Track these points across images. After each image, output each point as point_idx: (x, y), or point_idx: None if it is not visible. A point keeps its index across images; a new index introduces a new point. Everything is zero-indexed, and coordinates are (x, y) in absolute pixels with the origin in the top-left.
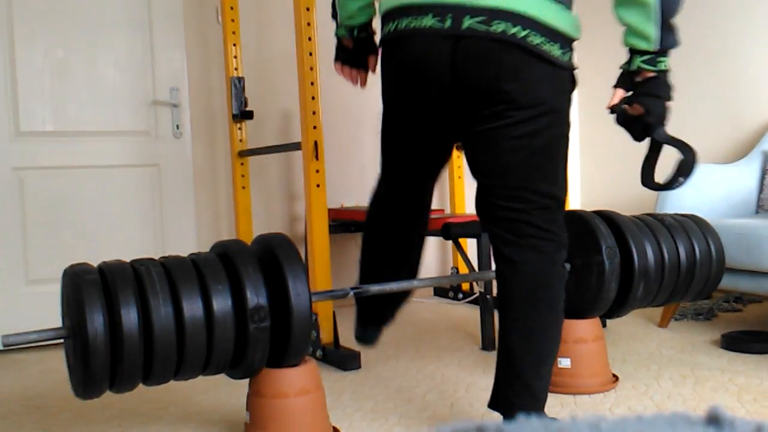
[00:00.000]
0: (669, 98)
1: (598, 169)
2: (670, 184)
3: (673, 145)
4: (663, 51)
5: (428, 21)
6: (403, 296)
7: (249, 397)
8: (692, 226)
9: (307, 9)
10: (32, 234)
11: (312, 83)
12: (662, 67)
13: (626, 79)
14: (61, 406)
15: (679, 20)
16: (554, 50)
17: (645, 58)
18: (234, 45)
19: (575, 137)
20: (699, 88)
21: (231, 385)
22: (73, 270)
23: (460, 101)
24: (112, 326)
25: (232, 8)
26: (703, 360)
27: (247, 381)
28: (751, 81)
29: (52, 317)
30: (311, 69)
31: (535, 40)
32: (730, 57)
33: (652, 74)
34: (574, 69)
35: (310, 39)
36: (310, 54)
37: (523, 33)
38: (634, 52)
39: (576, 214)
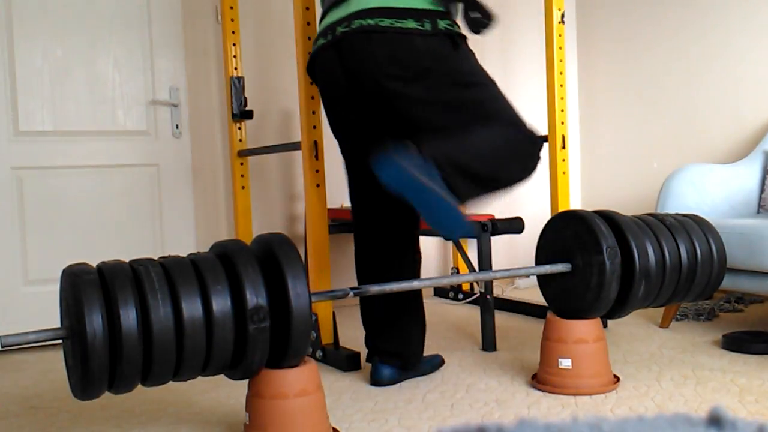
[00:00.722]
0: None
1: (598, 169)
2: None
3: None
4: None
5: (321, 41)
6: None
7: (248, 398)
8: (693, 226)
9: (307, 9)
10: (31, 234)
11: (312, 83)
12: None
13: None
14: (59, 407)
15: (679, 20)
16: (408, 24)
17: None
18: (234, 45)
19: (575, 137)
20: (700, 88)
21: (230, 386)
22: (72, 270)
23: (358, 93)
24: (111, 326)
25: (232, 8)
26: (704, 360)
27: (246, 381)
28: (752, 81)
29: (51, 317)
30: None
31: (384, 22)
32: (730, 57)
33: None
34: (444, 30)
35: (309, 38)
36: (310, 54)
37: (374, 21)
38: None
39: (576, 214)
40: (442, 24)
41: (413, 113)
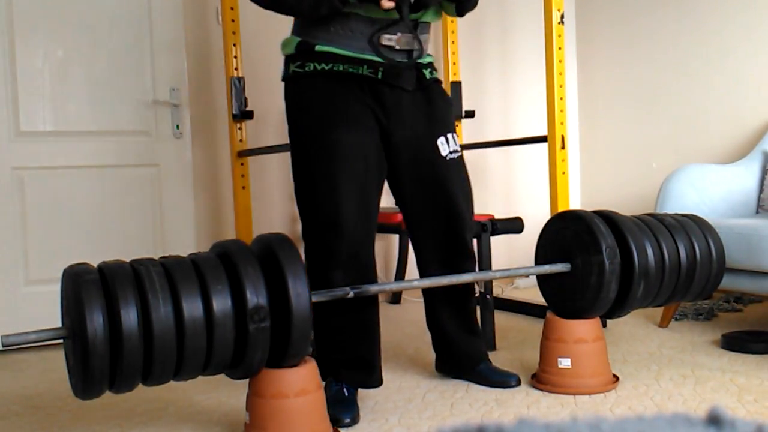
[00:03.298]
0: None
1: (598, 169)
2: None
3: None
4: None
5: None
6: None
7: (249, 398)
8: (692, 226)
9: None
10: (32, 234)
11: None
12: None
13: None
14: (60, 407)
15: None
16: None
17: None
18: (234, 45)
19: (575, 137)
20: (699, 88)
21: (231, 385)
22: (73, 270)
23: None
24: (112, 326)
25: (232, 8)
26: (703, 360)
27: (246, 381)
28: (752, 81)
29: (52, 317)
30: None
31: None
32: (730, 57)
33: None
34: (286, 80)
35: None
36: None
37: None
38: None
39: (576, 214)
40: None
41: None
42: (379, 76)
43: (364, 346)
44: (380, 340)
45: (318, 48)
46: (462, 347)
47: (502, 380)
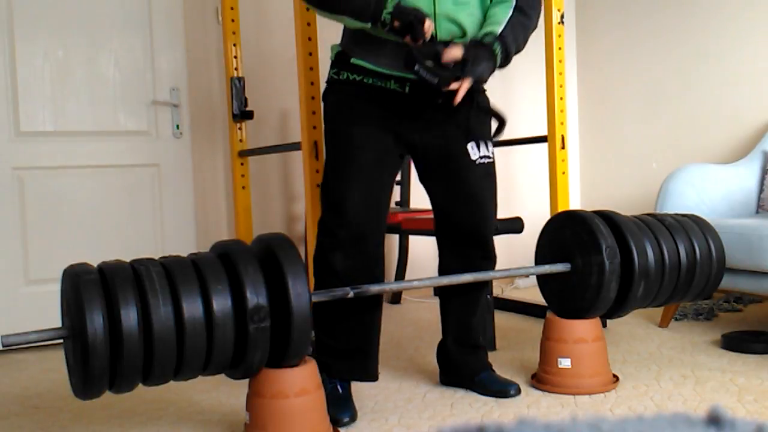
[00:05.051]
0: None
1: (598, 169)
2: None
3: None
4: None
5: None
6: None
7: (249, 398)
8: (692, 226)
9: (307, 9)
10: (32, 234)
11: (312, 83)
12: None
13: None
14: (60, 406)
15: (679, 21)
16: None
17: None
18: (234, 45)
19: (575, 137)
20: (699, 88)
21: (231, 385)
22: (73, 270)
23: None
24: (112, 326)
25: (232, 8)
26: (703, 360)
27: (246, 381)
28: (752, 81)
29: (52, 317)
30: (311, 69)
31: None
32: (730, 57)
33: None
34: (327, 82)
35: (310, 39)
36: (310, 54)
37: None
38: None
39: (576, 214)
40: None
41: None
42: (407, 90)
43: (360, 336)
44: (379, 335)
45: (353, 60)
46: (463, 361)
47: (501, 389)
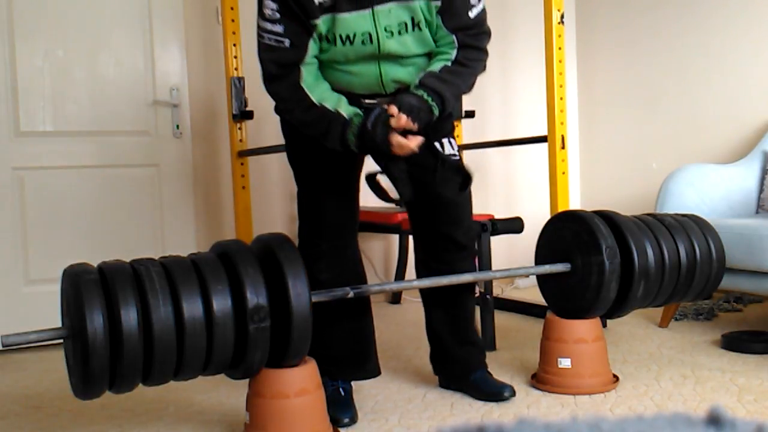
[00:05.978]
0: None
1: (597, 169)
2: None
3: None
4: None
5: None
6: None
7: (249, 398)
8: (692, 226)
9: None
10: (32, 234)
11: None
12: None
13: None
14: (60, 407)
15: (679, 20)
16: None
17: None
18: (234, 45)
19: (575, 137)
20: (699, 88)
21: (231, 385)
22: (73, 270)
23: None
24: (112, 326)
25: (232, 8)
26: (703, 360)
27: (246, 381)
28: (752, 81)
29: (52, 317)
30: None
31: None
32: (730, 57)
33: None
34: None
35: None
36: None
37: None
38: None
39: (576, 214)
40: None
41: None
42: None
43: (355, 341)
44: (374, 335)
45: None
46: (456, 357)
47: (494, 392)
